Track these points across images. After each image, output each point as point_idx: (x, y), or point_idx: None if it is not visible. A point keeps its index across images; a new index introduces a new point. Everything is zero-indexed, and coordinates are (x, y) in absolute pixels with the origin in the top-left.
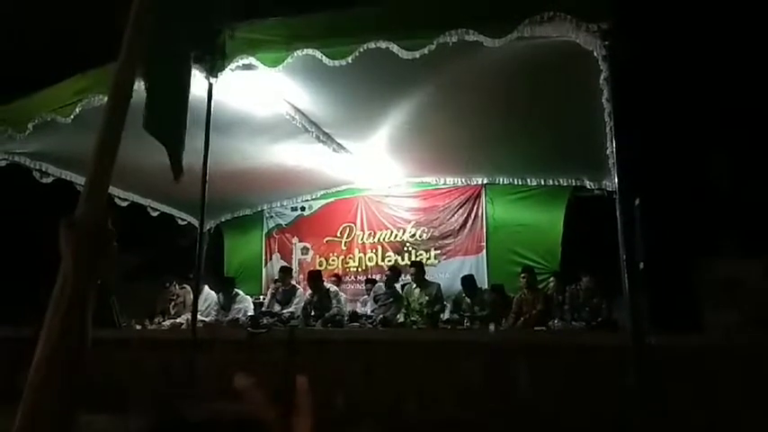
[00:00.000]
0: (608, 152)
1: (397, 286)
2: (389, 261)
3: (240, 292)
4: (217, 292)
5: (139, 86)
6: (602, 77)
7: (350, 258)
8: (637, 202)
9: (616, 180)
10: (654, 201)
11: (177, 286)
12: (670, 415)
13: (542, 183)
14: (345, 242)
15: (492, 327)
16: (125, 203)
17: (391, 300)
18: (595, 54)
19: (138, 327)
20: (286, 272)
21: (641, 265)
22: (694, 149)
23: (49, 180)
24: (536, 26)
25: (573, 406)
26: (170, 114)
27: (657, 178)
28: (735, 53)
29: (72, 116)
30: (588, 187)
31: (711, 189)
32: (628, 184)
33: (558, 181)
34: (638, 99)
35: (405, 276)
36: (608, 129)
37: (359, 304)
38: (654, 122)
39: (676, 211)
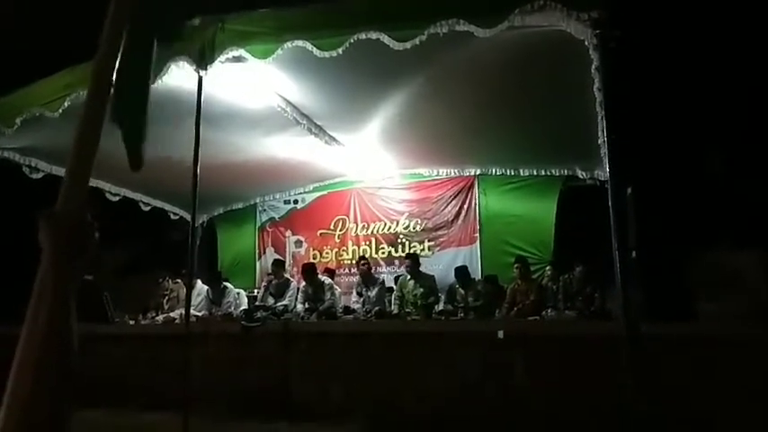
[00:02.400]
0: (600, 142)
1: (389, 278)
2: (383, 253)
3: (229, 286)
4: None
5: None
6: (593, 66)
7: (344, 251)
8: (629, 191)
9: (608, 169)
10: (646, 190)
11: (170, 281)
12: (663, 403)
13: (535, 173)
14: (339, 235)
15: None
16: (116, 198)
17: (373, 290)
18: (586, 43)
19: (132, 322)
20: (279, 265)
21: (633, 255)
22: (687, 139)
23: (39, 176)
24: (527, 15)
25: (567, 395)
26: (130, 101)
27: (650, 168)
28: (728, 41)
29: (60, 110)
30: (580, 177)
31: (704, 178)
32: (619, 173)
33: (551, 171)
34: (630, 88)
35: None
36: (599, 118)
37: (353, 297)
38: (646, 111)
39: (669, 201)
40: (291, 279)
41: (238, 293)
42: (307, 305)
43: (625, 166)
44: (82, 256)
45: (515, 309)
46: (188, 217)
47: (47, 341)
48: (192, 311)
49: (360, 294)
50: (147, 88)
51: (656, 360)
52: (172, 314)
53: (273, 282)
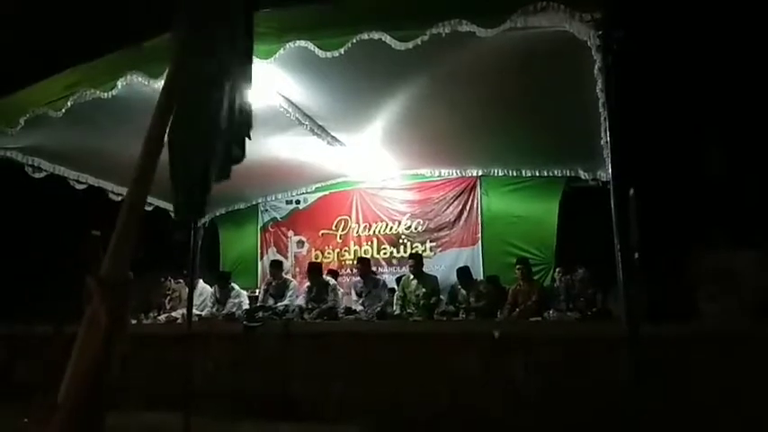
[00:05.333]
0: (602, 142)
1: (387, 277)
2: (385, 254)
3: (236, 287)
4: (212, 287)
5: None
6: (595, 67)
7: (345, 251)
8: (631, 192)
9: (610, 170)
10: (649, 191)
11: (172, 281)
12: (665, 402)
13: (537, 174)
14: (341, 235)
15: (497, 334)
16: (119, 198)
17: (373, 290)
18: (589, 44)
19: (134, 321)
20: (276, 266)
21: (636, 255)
22: (689, 140)
23: (42, 175)
24: (529, 16)
25: (569, 396)
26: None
27: (652, 169)
28: (730, 42)
29: (63, 110)
30: (583, 178)
31: (706, 179)
32: (622, 174)
33: (553, 172)
34: (632, 89)
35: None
36: (602, 119)
37: (353, 297)
38: (648, 113)
39: (671, 202)
40: (291, 279)
41: (242, 294)
42: (309, 305)
43: (627, 167)
44: (125, 308)
45: (517, 310)
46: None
47: (98, 368)
48: (194, 311)
49: (360, 295)
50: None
51: (657, 360)
52: (174, 314)
53: (273, 283)
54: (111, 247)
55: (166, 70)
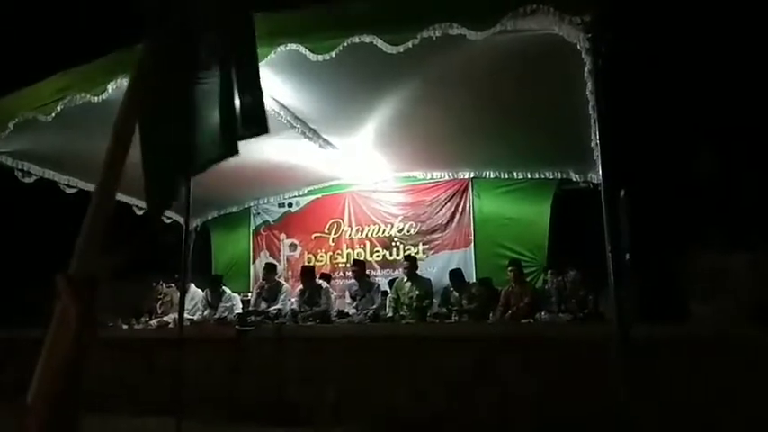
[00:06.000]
0: (592, 145)
1: (380, 280)
2: (378, 256)
3: (227, 290)
4: (203, 290)
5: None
6: (585, 70)
7: (338, 254)
8: (622, 194)
9: (600, 172)
10: (639, 193)
11: (164, 285)
12: (656, 403)
13: (529, 176)
14: (333, 238)
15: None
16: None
17: (367, 293)
18: (579, 47)
19: (125, 326)
20: (270, 269)
21: (627, 257)
22: (680, 141)
23: (31, 180)
24: (519, 19)
25: (561, 397)
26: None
27: (643, 170)
28: (720, 44)
29: (53, 114)
30: (574, 180)
31: (698, 180)
32: (612, 176)
33: (545, 174)
34: (622, 91)
35: (373, 272)
36: (592, 121)
37: (347, 300)
38: (639, 114)
39: (662, 203)
40: (283, 282)
41: (234, 298)
42: (302, 308)
43: (618, 169)
44: (95, 304)
45: (509, 312)
46: (182, 221)
47: (67, 373)
48: (185, 315)
49: (354, 298)
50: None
51: (648, 361)
52: (165, 318)
53: (266, 286)
54: (78, 245)
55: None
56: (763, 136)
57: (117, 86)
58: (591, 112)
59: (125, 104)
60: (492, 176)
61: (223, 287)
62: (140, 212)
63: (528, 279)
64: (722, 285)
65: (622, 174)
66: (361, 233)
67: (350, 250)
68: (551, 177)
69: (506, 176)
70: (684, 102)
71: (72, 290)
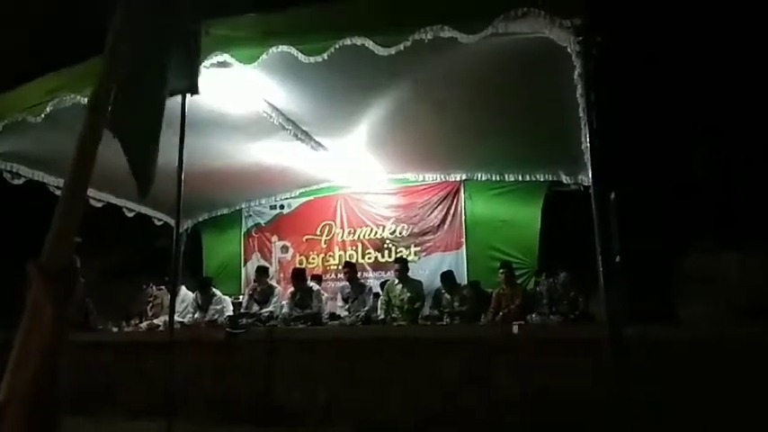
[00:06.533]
0: (583, 147)
1: (372, 282)
2: (370, 258)
3: (218, 293)
4: (194, 293)
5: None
6: (576, 73)
7: (330, 256)
8: (612, 196)
9: (590, 175)
10: (630, 195)
11: (154, 287)
12: (647, 405)
13: (520, 178)
14: (325, 240)
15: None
16: (100, 204)
17: (359, 295)
18: (569, 50)
19: (115, 329)
20: (262, 272)
21: (617, 259)
22: (670, 143)
23: (21, 182)
24: (510, 22)
25: (552, 398)
26: (141, 124)
27: (634, 173)
28: (710, 47)
29: (42, 115)
30: (565, 182)
31: (686, 183)
32: (602, 178)
33: (536, 176)
34: (613, 93)
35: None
36: (582, 124)
37: (338, 302)
38: (629, 117)
39: (652, 205)
40: (275, 285)
41: (225, 300)
42: (293, 311)
43: (608, 171)
44: (69, 298)
45: (500, 314)
46: (172, 223)
47: (42, 370)
48: (176, 318)
49: (346, 300)
50: (162, 109)
51: (639, 362)
52: (156, 321)
53: (258, 288)
54: (51, 232)
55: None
56: (752, 137)
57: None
58: (581, 115)
59: (101, 83)
60: (483, 178)
61: (213, 289)
62: (131, 215)
63: (519, 281)
64: (712, 286)
65: (612, 176)
66: (353, 235)
67: (342, 252)
68: (542, 179)
69: (498, 178)
70: (675, 104)
71: (44, 279)
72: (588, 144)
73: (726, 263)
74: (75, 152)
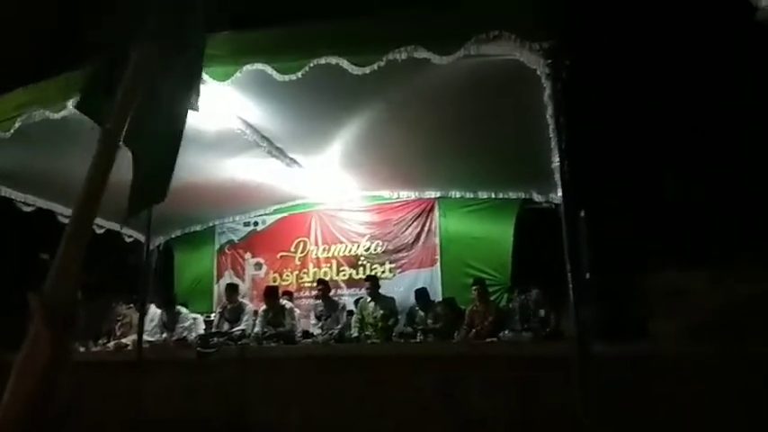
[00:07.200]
0: (553, 166)
1: (346, 299)
2: (344, 275)
3: (183, 310)
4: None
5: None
6: (545, 94)
7: (304, 273)
8: (582, 214)
9: (561, 193)
10: (600, 213)
11: (123, 306)
12: (615, 422)
13: (493, 196)
14: (300, 257)
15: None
16: (68, 220)
17: (333, 313)
18: (539, 72)
19: (82, 348)
20: (232, 289)
21: (587, 276)
22: (637, 162)
23: None
24: (482, 44)
25: (523, 415)
26: (157, 142)
27: (603, 191)
28: (677, 68)
29: (11, 131)
30: (536, 200)
31: (655, 200)
32: (572, 197)
33: (508, 194)
34: (583, 114)
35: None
36: (552, 144)
37: (311, 320)
38: (598, 137)
39: (623, 223)
40: (247, 303)
41: (194, 319)
42: (266, 329)
43: (578, 190)
44: (69, 329)
45: (473, 331)
46: (143, 239)
47: (38, 394)
48: (145, 337)
49: (319, 318)
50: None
51: (608, 379)
52: (124, 340)
53: (228, 307)
54: (56, 265)
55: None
56: (721, 155)
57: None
58: (551, 135)
59: (115, 118)
60: (457, 196)
61: (178, 307)
62: (100, 231)
63: (492, 298)
64: (681, 303)
65: (582, 194)
66: (328, 252)
67: (316, 269)
68: (515, 197)
69: (471, 196)
70: (643, 124)
71: (46, 312)
72: (558, 163)
73: (694, 280)
74: (85, 183)
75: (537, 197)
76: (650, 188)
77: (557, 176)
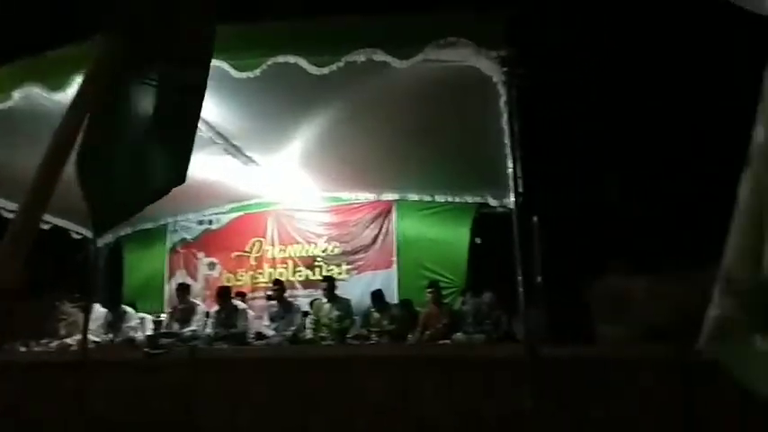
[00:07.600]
0: (508, 171)
1: (302, 300)
2: (300, 276)
3: (129, 310)
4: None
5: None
6: (501, 101)
7: (260, 274)
8: (534, 219)
9: (513, 198)
10: (552, 218)
11: (68, 304)
12: (562, 422)
13: (450, 200)
14: (255, 257)
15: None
16: (12, 215)
17: (287, 315)
18: (494, 79)
19: (23, 348)
20: (183, 289)
21: (539, 280)
22: (588, 169)
23: None
24: (440, 50)
25: (474, 416)
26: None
27: (555, 197)
28: (630, 76)
29: None
30: (491, 204)
31: (604, 207)
32: (524, 202)
33: (465, 198)
34: (536, 121)
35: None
36: (507, 149)
37: (264, 321)
38: (551, 144)
39: (572, 228)
40: (198, 303)
41: (142, 318)
42: (218, 330)
43: (530, 195)
44: (9, 315)
45: (427, 333)
46: (91, 236)
47: None
48: (91, 337)
49: (273, 319)
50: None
51: (556, 380)
52: (68, 340)
53: (179, 307)
54: (4, 247)
55: (80, 78)
56: (667, 164)
57: (23, 94)
58: (506, 141)
59: (72, 113)
60: (415, 199)
61: (123, 307)
62: (46, 227)
63: (447, 300)
64: (627, 307)
65: (535, 200)
66: (284, 252)
67: (272, 269)
68: (471, 201)
69: (429, 199)
70: (595, 131)
71: None
72: (511, 169)
73: (638, 285)
74: (35, 178)
75: (492, 202)
76: (600, 194)
77: (511, 182)
